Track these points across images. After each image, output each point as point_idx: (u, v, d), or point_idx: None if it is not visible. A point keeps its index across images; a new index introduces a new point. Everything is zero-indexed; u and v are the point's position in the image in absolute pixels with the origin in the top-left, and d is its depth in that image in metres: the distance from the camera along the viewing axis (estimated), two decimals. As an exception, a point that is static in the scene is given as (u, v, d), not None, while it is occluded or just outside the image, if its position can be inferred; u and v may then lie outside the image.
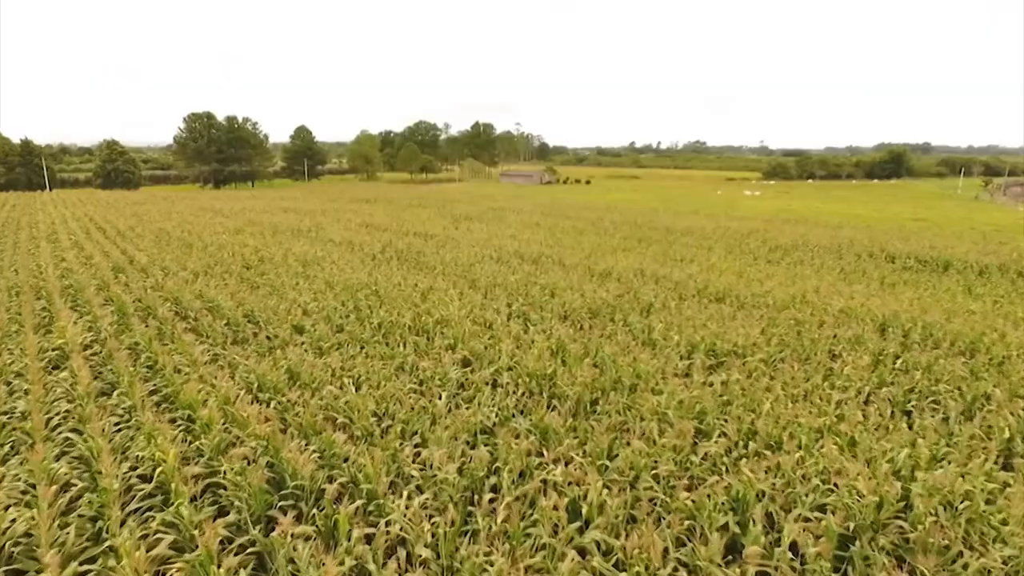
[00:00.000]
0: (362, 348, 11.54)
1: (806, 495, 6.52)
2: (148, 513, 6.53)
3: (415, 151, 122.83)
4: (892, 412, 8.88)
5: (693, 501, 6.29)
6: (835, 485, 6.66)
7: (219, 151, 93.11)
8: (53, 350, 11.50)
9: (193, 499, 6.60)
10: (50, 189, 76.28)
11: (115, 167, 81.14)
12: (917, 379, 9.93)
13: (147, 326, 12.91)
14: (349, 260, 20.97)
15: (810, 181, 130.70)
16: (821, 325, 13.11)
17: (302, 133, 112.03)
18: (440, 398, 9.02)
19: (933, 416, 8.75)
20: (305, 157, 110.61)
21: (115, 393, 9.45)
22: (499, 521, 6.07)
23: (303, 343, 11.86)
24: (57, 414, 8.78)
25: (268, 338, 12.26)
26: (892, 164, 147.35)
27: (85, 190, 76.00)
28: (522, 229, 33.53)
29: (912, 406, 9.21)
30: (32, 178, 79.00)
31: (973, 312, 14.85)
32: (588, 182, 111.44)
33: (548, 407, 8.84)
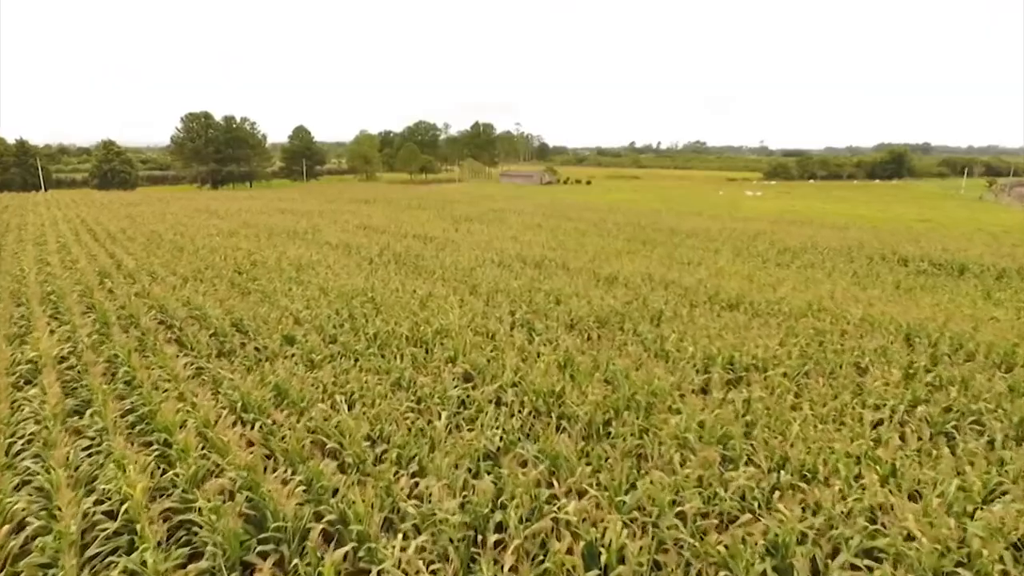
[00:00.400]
0: (356, 361, 10.81)
1: (851, 537, 5.80)
2: (110, 558, 5.80)
3: (414, 151, 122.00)
4: (931, 435, 8.16)
5: (726, 546, 5.56)
6: (883, 525, 5.94)
7: (216, 151, 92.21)
8: (27, 363, 10.76)
9: (160, 543, 5.86)
10: (45, 189, 75.52)
11: (111, 167, 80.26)
12: (953, 396, 9.21)
13: (128, 336, 12.17)
14: (345, 264, 20.23)
15: (811, 181, 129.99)
16: (843, 335, 12.39)
17: (300, 133, 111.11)
18: (440, 418, 8.29)
19: (977, 440, 8.04)
20: (304, 157, 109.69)
21: (88, 413, 8.73)
22: (506, 569, 5.36)
23: (293, 355, 11.14)
24: (22, 437, 8.05)
25: (257, 349, 11.53)
26: (893, 164, 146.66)
27: (81, 191, 75.25)
28: (524, 231, 32.81)
29: (952, 427, 8.48)
30: (27, 178, 78.18)
31: (997, 319, 14.14)
32: (589, 182, 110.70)
33: (557, 429, 8.12)
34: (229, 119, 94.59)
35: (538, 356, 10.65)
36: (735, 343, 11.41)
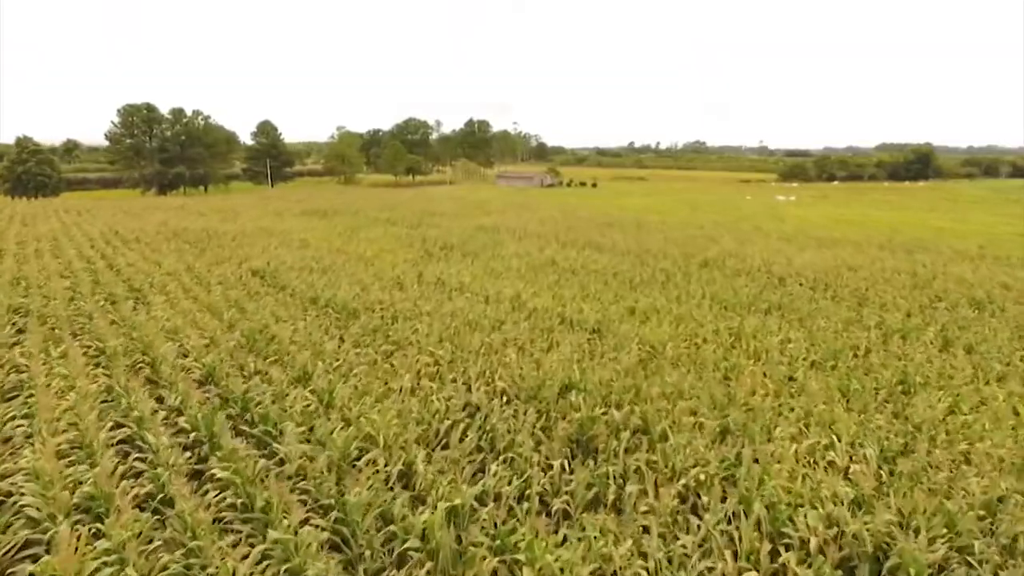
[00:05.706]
0: None
1: None
2: None
3: (400, 151, 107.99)
4: None
5: None
6: None
7: (162, 149, 78.31)
8: None
9: None
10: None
11: (26, 169, 66.52)
12: None
13: None
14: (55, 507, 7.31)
15: (834, 183, 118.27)
16: None
17: (266, 129, 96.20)
18: None
19: None
20: (269, 157, 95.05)
21: None
22: None
23: None
24: None
25: None
26: (918, 164, 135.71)
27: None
28: (531, 276, 20.12)
29: None
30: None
31: None
32: (595, 184, 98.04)
33: None
34: (177, 112, 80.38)
35: None
36: None
